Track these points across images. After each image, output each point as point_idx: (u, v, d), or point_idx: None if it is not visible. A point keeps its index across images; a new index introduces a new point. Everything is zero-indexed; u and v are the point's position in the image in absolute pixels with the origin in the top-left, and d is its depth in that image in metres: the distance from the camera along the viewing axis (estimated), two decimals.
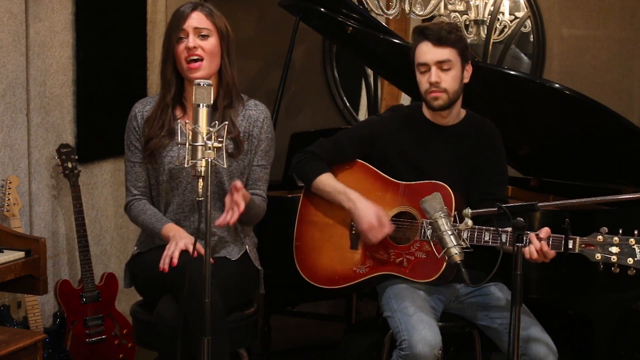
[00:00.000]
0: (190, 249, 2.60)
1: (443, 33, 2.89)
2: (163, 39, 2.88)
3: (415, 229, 2.92)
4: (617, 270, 2.57)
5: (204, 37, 2.80)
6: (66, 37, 3.72)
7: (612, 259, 2.55)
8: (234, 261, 2.87)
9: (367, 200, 2.94)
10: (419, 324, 2.71)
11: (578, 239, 2.61)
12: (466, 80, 2.98)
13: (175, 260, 2.63)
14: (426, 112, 3.03)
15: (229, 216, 2.65)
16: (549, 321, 2.93)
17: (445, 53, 2.89)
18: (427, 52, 2.91)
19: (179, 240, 2.70)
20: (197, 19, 2.80)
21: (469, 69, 2.98)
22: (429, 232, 2.86)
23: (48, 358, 3.46)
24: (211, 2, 4.81)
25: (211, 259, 2.69)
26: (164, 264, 2.65)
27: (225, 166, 2.43)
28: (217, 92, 2.84)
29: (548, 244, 2.64)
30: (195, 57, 2.78)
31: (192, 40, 2.77)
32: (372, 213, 2.91)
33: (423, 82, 2.94)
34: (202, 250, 2.66)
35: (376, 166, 3.05)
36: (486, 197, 2.93)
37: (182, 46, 2.79)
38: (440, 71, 2.91)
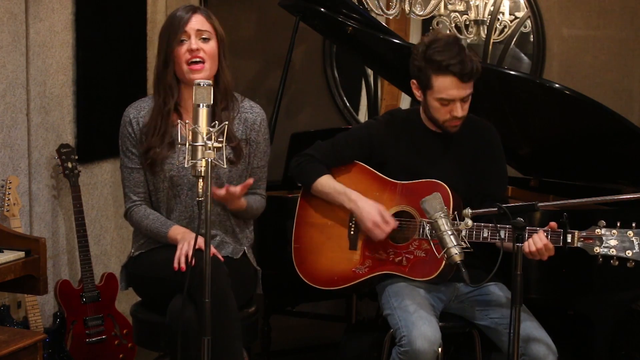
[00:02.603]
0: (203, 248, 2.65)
1: (468, 69, 2.80)
2: (159, 44, 2.86)
3: (413, 228, 2.92)
4: (617, 263, 2.58)
5: (205, 40, 2.80)
6: (66, 37, 3.72)
7: (610, 252, 2.57)
8: (235, 260, 2.88)
9: (368, 199, 2.94)
10: (418, 321, 2.71)
11: (577, 232, 2.62)
12: None
13: (193, 262, 2.58)
14: (425, 120, 3.02)
15: (222, 191, 2.73)
16: (549, 321, 2.93)
17: (469, 87, 2.85)
18: (454, 88, 2.83)
19: (190, 241, 2.69)
20: (199, 22, 2.80)
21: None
22: (427, 230, 2.86)
23: (48, 358, 3.46)
24: (212, 2, 4.82)
25: (221, 257, 2.73)
26: (181, 262, 2.65)
27: (225, 166, 2.43)
28: (214, 96, 2.82)
29: (547, 237, 2.65)
30: (198, 59, 2.78)
31: (194, 42, 2.78)
32: (375, 211, 2.91)
33: (443, 112, 2.88)
34: (215, 252, 2.69)
35: (374, 169, 3.04)
36: (486, 199, 2.93)
37: (183, 48, 2.78)
38: (462, 103, 2.87)
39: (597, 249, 2.58)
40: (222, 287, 2.64)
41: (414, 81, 2.95)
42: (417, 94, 2.96)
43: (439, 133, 3.01)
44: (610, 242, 2.57)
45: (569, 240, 2.62)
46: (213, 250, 2.71)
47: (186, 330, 2.57)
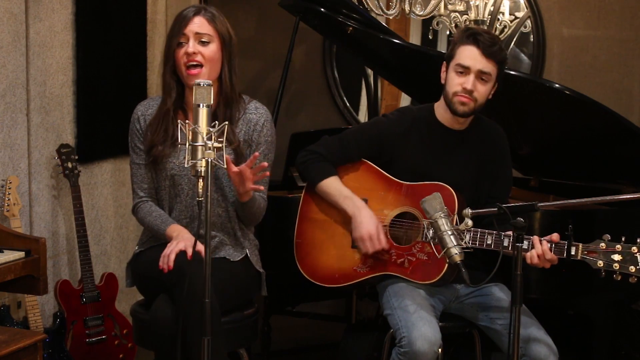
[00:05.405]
0: (190, 250, 2.60)
1: (496, 48, 2.87)
2: (165, 41, 2.87)
3: (416, 230, 2.92)
4: (619, 277, 2.57)
5: (205, 43, 2.77)
6: (66, 37, 3.72)
7: (614, 267, 2.56)
8: (233, 263, 2.87)
9: (372, 212, 2.94)
10: (418, 321, 2.71)
11: (581, 245, 2.61)
12: (490, 96, 2.96)
13: (171, 264, 2.62)
14: (440, 115, 3.01)
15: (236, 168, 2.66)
16: (549, 321, 2.93)
17: (489, 66, 2.87)
18: (474, 57, 2.87)
19: (180, 241, 2.70)
20: (198, 24, 2.78)
21: (495, 87, 2.96)
22: (430, 234, 2.86)
23: (48, 358, 3.46)
24: (212, 2, 4.82)
25: (203, 254, 2.71)
26: (163, 262, 2.66)
27: (225, 167, 2.43)
28: (217, 99, 2.82)
29: (550, 250, 2.64)
30: (195, 63, 2.76)
31: (192, 46, 2.75)
32: (373, 224, 2.91)
33: (455, 83, 2.90)
34: (202, 251, 2.67)
35: (382, 168, 3.04)
36: (490, 201, 2.91)
37: (182, 51, 2.77)
38: (478, 80, 2.88)
39: (600, 263, 2.57)
40: (198, 285, 2.52)
41: (444, 63, 2.96)
42: (443, 76, 2.96)
43: (451, 130, 3.00)
44: (613, 256, 2.56)
45: (572, 252, 2.62)
46: (198, 246, 2.60)
47: (166, 331, 2.59)
